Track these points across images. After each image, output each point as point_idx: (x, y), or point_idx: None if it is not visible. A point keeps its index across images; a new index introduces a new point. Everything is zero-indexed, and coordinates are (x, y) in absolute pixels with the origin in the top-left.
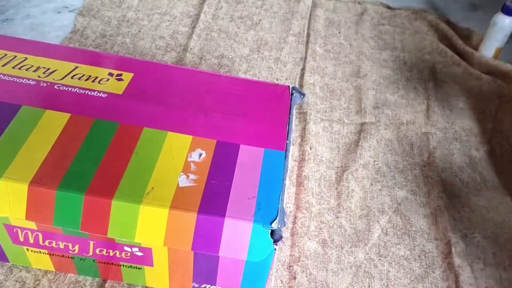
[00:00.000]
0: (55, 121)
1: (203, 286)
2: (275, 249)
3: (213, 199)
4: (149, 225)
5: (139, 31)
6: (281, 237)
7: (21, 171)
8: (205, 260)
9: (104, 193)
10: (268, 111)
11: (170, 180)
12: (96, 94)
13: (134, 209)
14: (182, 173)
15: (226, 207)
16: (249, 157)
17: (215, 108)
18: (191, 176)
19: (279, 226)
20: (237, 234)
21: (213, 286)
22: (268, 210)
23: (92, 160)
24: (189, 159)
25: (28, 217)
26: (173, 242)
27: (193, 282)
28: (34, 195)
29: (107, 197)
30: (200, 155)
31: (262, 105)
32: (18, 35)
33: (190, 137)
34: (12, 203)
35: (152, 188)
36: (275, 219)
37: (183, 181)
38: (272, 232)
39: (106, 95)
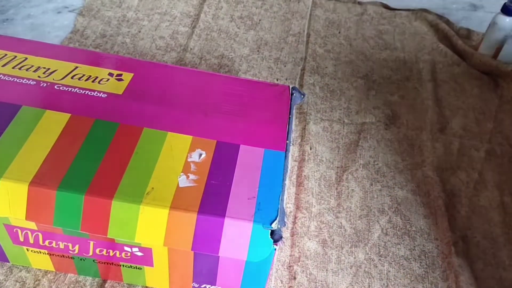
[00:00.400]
0: (55, 121)
1: (203, 286)
2: (275, 249)
3: (213, 199)
4: (149, 225)
5: (139, 31)
6: (281, 237)
7: (21, 171)
8: (205, 260)
9: (104, 193)
10: (268, 111)
11: (170, 180)
12: (96, 94)
13: (134, 209)
14: (182, 173)
15: (226, 207)
16: (249, 157)
17: (215, 108)
18: (191, 176)
19: (279, 226)
20: (237, 235)
21: (213, 286)
22: (268, 210)
23: (92, 160)
24: (189, 159)
25: (28, 217)
26: (173, 242)
27: (193, 282)
28: (34, 195)
29: (107, 197)
30: (200, 155)
31: (262, 105)
32: (18, 35)
33: (190, 137)
34: (12, 203)
35: (152, 188)
36: (275, 219)
37: (183, 181)
38: (272, 232)
39: (106, 95)
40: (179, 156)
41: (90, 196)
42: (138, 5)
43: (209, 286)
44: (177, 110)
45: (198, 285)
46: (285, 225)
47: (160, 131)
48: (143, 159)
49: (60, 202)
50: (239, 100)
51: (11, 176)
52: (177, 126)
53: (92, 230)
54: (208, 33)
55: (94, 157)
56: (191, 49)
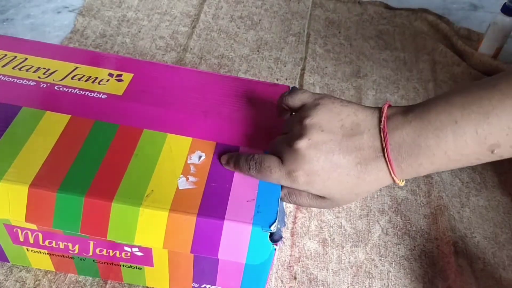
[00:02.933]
0: (55, 123)
1: (203, 286)
2: (275, 249)
3: (212, 201)
4: (149, 227)
5: (139, 31)
6: (281, 237)
7: (21, 173)
8: (205, 260)
9: (104, 196)
10: (268, 111)
11: (170, 182)
12: (96, 95)
13: (133, 212)
14: (181, 176)
15: (225, 210)
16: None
17: (215, 108)
18: (191, 179)
19: (279, 226)
20: (236, 237)
21: (213, 286)
22: (267, 213)
23: (92, 162)
24: (188, 161)
25: (27, 219)
26: (173, 245)
27: (193, 282)
28: (34, 197)
29: (107, 199)
30: (200, 157)
31: (262, 105)
32: (18, 35)
33: (190, 139)
34: (12, 205)
35: (152, 190)
36: (274, 221)
37: (183, 184)
38: (271, 235)
39: (106, 96)
40: (178, 158)
41: (90, 198)
42: (138, 5)
43: (209, 286)
44: (177, 111)
45: (198, 285)
46: (285, 225)
47: (160, 133)
48: (143, 161)
49: (60, 204)
50: (239, 100)
51: (11, 178)
52: (177, 128)
53: (91, 233)
54: (208, 33)
55: (94, 159)
56: (191, 49)
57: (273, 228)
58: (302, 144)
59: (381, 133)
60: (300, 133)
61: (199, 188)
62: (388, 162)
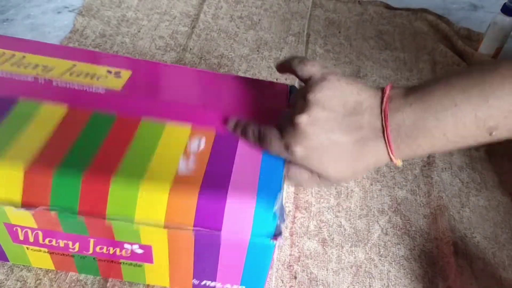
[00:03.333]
0: (53, 113)
1: (203, 282)
2: (275, 245)
3: (214, 179)
4: (149, 205)
5: (139, 31)
6: (281, 232)
7: (17, 156)
8: (205, 255)
9: (102, 174)
10: (267, 110)
11: (170, 164)
12: (94, 89)
13: (133, 189)
14: (181, 159)
15: (228, 185)
16: (250, 145)
17: (214, 104)
18: (191, 161)
19: (279, 222)
20: (240, 212)
21: (213, 282)
22: (270, 189)
23: (90, 147)
24: (188, 147)
25: (24, 201)
26: (174, 222)
27: (193, 279)
28: (31, 179)
29: (105, 177)
30: (200, 143)
31: (260, 104)
32: (19, 35)
33: (189, 127)
34: (7, 187)
35: (152, 171)
36: (278, 196)
37: (183, 166)
38: (273, 216)
39: (104, 90)
40: (178, 144)
41: (88, 177)
42: (138, 5)
43: (209, 282)
44: (175, 103)
45: (198, 281)
46: (284, 221)
47: (158, 122)
48: (142, 146)
49: (56, 185)
50: (238, 98)
51: (6, 160)
52: (175, 117)
53: (90, 213)
54: (208, 33)
55: (92, 145)
56: (190, 49)
57: (277, 203)
58: (302, 119)
59: (382, 113)
60: (302, 108)
61: (200, 169)
62: (387, 143)
